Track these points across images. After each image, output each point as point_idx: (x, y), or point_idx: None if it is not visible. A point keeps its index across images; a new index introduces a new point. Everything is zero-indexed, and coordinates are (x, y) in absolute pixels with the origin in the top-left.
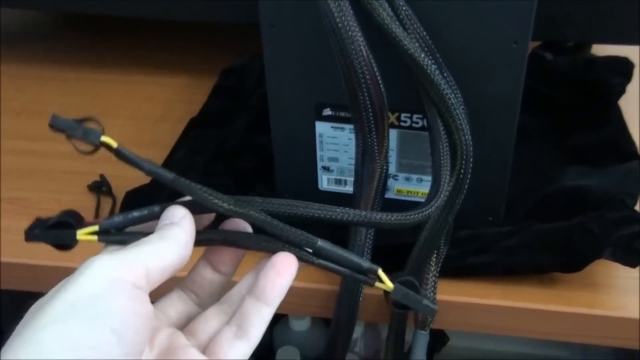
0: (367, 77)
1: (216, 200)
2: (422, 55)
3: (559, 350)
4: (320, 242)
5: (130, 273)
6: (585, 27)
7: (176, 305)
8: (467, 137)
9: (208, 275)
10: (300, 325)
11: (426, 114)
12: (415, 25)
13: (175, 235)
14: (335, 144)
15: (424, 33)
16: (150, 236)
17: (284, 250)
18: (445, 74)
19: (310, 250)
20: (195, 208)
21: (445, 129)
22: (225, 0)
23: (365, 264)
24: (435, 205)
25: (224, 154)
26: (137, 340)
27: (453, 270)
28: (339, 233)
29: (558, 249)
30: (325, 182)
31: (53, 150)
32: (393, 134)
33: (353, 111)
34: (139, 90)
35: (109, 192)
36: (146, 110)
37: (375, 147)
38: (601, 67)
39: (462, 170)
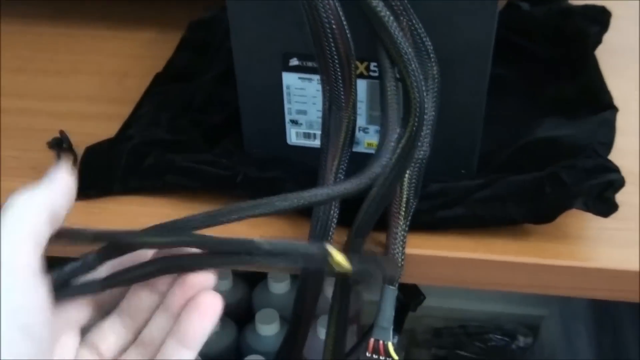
0: (333, 22)
1: (145, 239)
2: (380, 5)
3: (537, 309)
4: (257, 241)
5: (31, 256)
6: None
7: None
8: (421, 93)
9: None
10: (279, 287)
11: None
12: None
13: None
14: (303, 96)
15: None
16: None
17: (225, 264)
18: (414, 22)
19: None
20: (125, 249)
21: (401, 83)
22: None
23: (313, 249)
24: (382, 166)
25: (191, 109)
26: (46, 335)
27: (423, 224)
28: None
29: (530, 200)
30: (294, 137)
31: (10, 106)
32: (362, 84)
33: (319, 59)
34: (103, 45)
35: (70, 149)
36: (111, 66)
37: (342, 97)
38: (577, 16)
39: (414, 128)
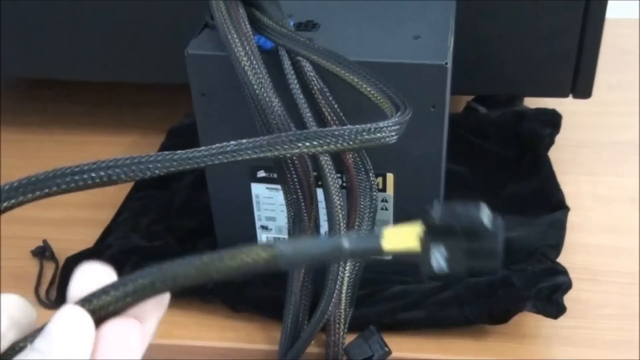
0: None
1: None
2: None
3: None
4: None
5: None
6: (513, 81)
7: None
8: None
9: None
10: None
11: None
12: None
13: None
14: (271, 204)
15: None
16: None
17: None
18: None
19: None
20: None
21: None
22: (163, 63)
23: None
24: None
25: (167, 214)
26: None
27: (385, 326)
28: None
29: (484, 303)
30: (264, 240)
31: None
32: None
33: (279, 178)
34: (86, 150)
35: (52, 257)
36: None
37: (304, 211)
38: (531, 119)
39: None
